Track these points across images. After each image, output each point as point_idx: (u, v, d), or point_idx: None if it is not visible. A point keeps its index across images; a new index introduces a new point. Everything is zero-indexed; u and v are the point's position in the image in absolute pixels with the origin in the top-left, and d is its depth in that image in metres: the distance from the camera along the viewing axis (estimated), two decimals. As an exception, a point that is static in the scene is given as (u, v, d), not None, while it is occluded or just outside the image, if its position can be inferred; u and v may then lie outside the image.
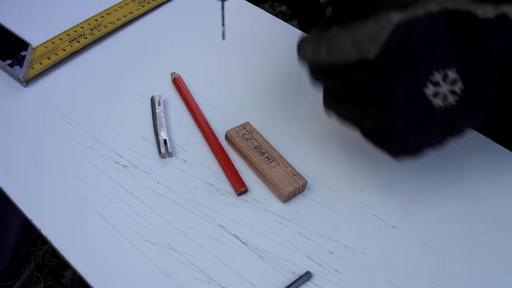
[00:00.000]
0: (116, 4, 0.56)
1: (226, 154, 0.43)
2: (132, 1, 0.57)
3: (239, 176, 0.41)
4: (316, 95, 0.49)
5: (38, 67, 0.48)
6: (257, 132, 0.43)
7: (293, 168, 0.41)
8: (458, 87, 0.32)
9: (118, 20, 0.54)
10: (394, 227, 0.39)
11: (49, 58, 0.49)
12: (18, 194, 0.40)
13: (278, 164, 0.41)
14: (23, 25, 0.53)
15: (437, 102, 0.32)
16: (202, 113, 0.46)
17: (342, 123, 0.36)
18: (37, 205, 0.39)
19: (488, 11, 0.33)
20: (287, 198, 0.40)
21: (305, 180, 0.40)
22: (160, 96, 0.47)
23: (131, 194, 0.40)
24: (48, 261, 1.12)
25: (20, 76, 0.47)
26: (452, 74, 0.32)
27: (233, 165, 0.42)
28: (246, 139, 0.43)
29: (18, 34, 0.51)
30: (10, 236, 1.02)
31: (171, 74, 0.49)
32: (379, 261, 0.37)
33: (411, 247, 0.38)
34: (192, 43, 0.54)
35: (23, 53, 0.49)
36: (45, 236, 0.37)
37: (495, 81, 0.33)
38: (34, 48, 0.50)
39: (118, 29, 0.54)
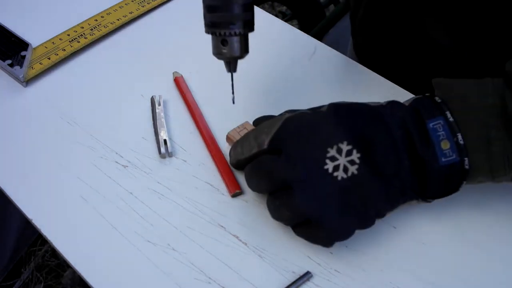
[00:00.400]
0: (116, 4, 0.56)
1: (223, 155, 0.43)
2: (132, 1, 0.57)
3: (234, 178, 0.41)
4: (313, 95, 0.49)
5: (38, 67, 0.48)
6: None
7: None
8: (355, 156, 0.34)
9: (118, 20, 0.54)
10: (394, 227, 0.39)
11: (49, 58, 0.49)
12: (18, 194, 0.40)
13: None
14: (23, 25, 0.53)
15: (339, 174, 0.34)
16: (201, 113, 0.46)
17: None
18: (37, 205, 0.39)
19: (380, 102, 0.37)
20: None
21: None
22: (160, 96, 0.47)
23: (131, 194, 0.40)
24: (48, 261, 1.12)
25: (20, 76, 0.47)
26: (345, 147, 0.34)
27: (229, 166, 0.42)
28: None
29: (18, 34, 0.51)
30: (10, 236, 1.02)
31: (172, 73, 0.49)
32: (379, 261, 0.37)
33: (411, 247, 0.38)
34: (192, 43, 0.54)
35: (23, 53, 0.49)
36: (45, 236, 0.37)
37: (396, 149, 0.35)
38: (34, 48, 0.50)
39: (118, 29, 0.54)
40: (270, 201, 0.36)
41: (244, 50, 0.37)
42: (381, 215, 0.36)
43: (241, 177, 0.41)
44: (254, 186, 0.38)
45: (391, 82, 0.50)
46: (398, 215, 0.40)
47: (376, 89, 0.50)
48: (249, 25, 0.36)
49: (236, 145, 0.39)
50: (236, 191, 0.40)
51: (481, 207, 0.41)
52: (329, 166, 0.34)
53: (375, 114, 0.35)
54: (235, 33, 0.35)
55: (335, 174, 0.34)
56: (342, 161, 0.34)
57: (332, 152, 0.34)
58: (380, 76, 0.51)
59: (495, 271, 0.37)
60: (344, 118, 0.35)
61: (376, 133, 0.35)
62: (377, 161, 0.34)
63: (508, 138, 0.33)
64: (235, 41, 0.36)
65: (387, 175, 0.35)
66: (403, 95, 0.49)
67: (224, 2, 0.34)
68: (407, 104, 0.36)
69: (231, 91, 0.40)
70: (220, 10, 0.34)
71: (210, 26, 0.35)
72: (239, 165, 0.40)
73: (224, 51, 0.36)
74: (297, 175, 0.34)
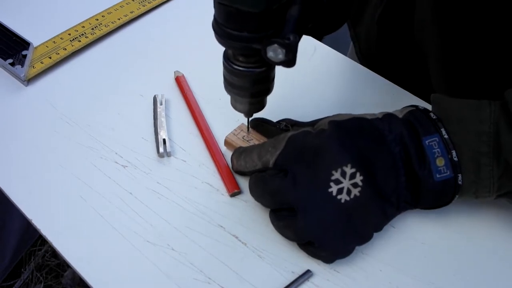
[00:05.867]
0: (117, 4, 0.56)
1: (222, 155, 0.43)
2: (133, 1, 0.57)
3: (233, 178, 0.41)
4: (313, 95, 0.49)
5: (39, 66, 0.48)
6: (255, 132, 0.43)
7: None
8: (358, 179, 0.34)
9: (119, 19, 0.54)
10: (394, 227, 0.39)
11: (50, 57, 0.49)
12: (18, 194, 0.40)
13: None
14: (25, 24, 0.53)
15: (342, 197, 0.35)
16: (202, 113, 0.46)
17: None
18: (37, 205, 0.39)
19: (376, 114, 0.37)
20: None
21: None
22: (162, 95, 0.47)
23: (131, 194, 0.40)
24: (48, 261, 1.12)
25: (21, 75, 0.47)
26: (348, 170, 0.34)
27: (228, 166, 0.42)
28: (247, 140, 0.43)
29: (20, 33, 0.51)
30: (11, 236, 1.02)
31: (174, 72, 0.49)
32: (379, 261, 0.37)
33: (411, 247, 0.38)
34: (193, 43, 0.54)
35: (24, 52, 0.49)
36: (45, 236, 0.37)
37: (395, 167, 0.35)
38: (35, 47, 0.50)
39: (119, 28, 0.54)
40: (274, 220, 0.37)
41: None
42: (378, 229, 0.37)
43: (240, 178, 0.41)
44: (257, 198, 0.38)
45: (390, 82, 0.50)
46: (398, 216, 0.40)
47: (376, 89, 0.50)
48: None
49: (239, 157, 0.40)
50: (234, 191, 0.40)
51: (481, 207, 0.41)
52: (333, 189, 0.35)
53: (375, 131, 0.36)
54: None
55: (339, 197, 0.35)
56: (346, 184, 0.34)
57: (336, 175, 0.34)
58: (380, 76, 0.51)
59: (495, 271, 0.37)
60: (346, 140, 0.35)
61: (377, 153, 0.35)
62: (378, 182, 0.35)
63: (497, 165, 0.34)
64: (261, 101, 0.39)
65: (386, 194, 0.36)
66: (402, 96, 0.49)
67: (267, 76, 0.36)
68: (401, 115, 0.37)
69: (247, 127, 0.43)
70: (263, 82, 0.36)
71: (253, 96, 0.37)
72: (242, 174, 0.41)
73: (250, 108, 0.38)
74: (302, 198, 0.35)
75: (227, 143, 0.43)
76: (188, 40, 0.54)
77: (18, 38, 0.50)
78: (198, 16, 0.57)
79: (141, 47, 0.53)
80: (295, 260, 0.37)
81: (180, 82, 0.48)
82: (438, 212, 0.39)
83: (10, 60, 0.48)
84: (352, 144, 0.35)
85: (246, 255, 0.37)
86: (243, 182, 0.41)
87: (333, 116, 0.38)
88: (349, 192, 0.35)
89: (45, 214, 0.39)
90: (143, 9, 0.56)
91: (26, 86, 0.48)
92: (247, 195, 0.40)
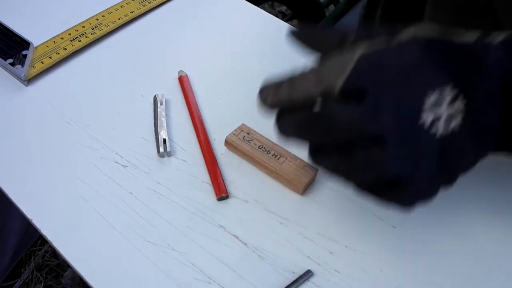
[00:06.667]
0: (117, 3, 0.56)
1: (214, 158, 0.42)
2: (133, 1, 0.57)
3: (222, 181, 0.41)
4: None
5: (39, 66, 0.48)
6: (256, 132, 0.43)
7: (301, 160, 0.41)
8: (460, 105, 0.28)
9: (119, 19, 0.54)
10: (394, 227, 0.39)
11: (50, 57, 0.49)
12: (18, 194, 0.40)
13: (287, 159, 0.41)
14: (25, 24, 0.53)
15: (438, 129, 0.28)
16: (199, 113, 0.46)
17: (333, 178, 0.31)
18: (37, 205, 0.39)
19: (466, 37, 0.30)
20: (304, 189, 0.40)
21: (316, 168, 0.40)
22: (162, 95, 0.47)
23: (131, 194, 0.40)
24: (48, 261, 1.12)
25: (22, 75, 0.47)
26: (448, 92, 0.27)
27: (218, 169, 0.41)
28: (247, 141, 0.43)
29: (20, 33, 0.51)
30: (11, 236, 1.02)
31: (178, 72, 0.49)
32: (379, 261, 0.37)
33: (411, 247, 0.38)
34: (193, 43, 0.54)
35: (24, 52, 0.49)
36: (45, 236, 0.37)
37: (495, 98, 0.29)
38: (36, 47, 0.50)
39: (119, 28, 0.54)
40: (344, 161, 0.29)
41: None
42: (465, 173, 0.31)
43: (231, 181, 0.41)
44: (314, 144, 0.30)
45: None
46: (398, 215, 0.40)
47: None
48: None
49: (277, 85, 0.31)
50: (222, 195, 0.40)
51: (482, 207, 0.41)
52: (427, 118, 0.27)
53: (471, 53, 0.29)
54: None
55: (432, 130, 0.27)
56: (443, 111, 0.27)
57: (432, 98, 0.27)
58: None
59: (496, 271, 0.37)
60: (439, 58, 0.28)
61: (476, 77, 0.28)
62: (478, 114, 0.28)
63: None
64: None
65: (484, 130, 0.29)
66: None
67: None
68: (499, 38, 0.29)
69: None
70: None
71: None
72: (276, 107, 0.31)
73: None
74: (391, 125, 0.27)
75: (227, 143, 0.43)
76: (188, 40, 0.54)
77: (18, 38, 0.50)
78: (198, 16, 0.57)
79: (141, 47, 0.53)
80: (296, 260, 0.37)
81: (183, 82, 0.48)
82: (438, 212, 0.40)
83: (10, 60, 0.48)
84: (449, 62, 0.28)
85: (246, 255, 0.37)
86: (252, 181, 0.41)
87: (415, 28, 0.30)
88: (447, 122, 0.28)
89: (45, 214, 0.39)
90: (143, 9, 0.56)
91: (26, 86, 0.48)
92: (247, 195, 0.40)
